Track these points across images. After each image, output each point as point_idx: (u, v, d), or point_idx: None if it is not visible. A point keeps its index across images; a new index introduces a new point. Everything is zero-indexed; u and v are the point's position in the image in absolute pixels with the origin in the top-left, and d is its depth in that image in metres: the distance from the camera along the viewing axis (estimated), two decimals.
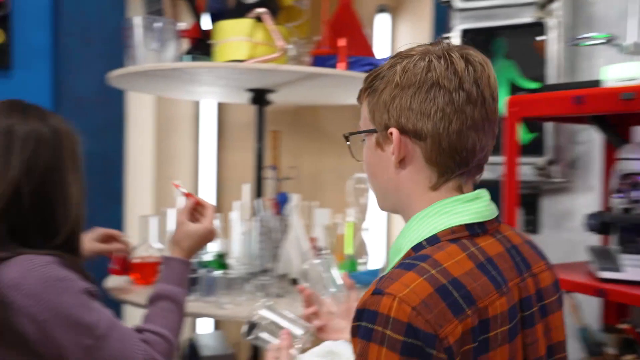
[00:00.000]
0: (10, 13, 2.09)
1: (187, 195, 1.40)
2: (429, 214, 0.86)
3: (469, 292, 0.77)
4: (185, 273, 1.33)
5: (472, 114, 0.84)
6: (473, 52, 0.86)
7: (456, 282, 0.77)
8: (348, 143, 0.96)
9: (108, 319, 1.11)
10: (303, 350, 1.05)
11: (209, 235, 1.36)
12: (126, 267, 1.69)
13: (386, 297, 0.75)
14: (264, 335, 1.08)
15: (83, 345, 1.05)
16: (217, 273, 1.69)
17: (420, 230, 0.85)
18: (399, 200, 0.91)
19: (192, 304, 1.68)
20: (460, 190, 0.87)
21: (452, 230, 0.83)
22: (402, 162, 0.87)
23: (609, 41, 1.35)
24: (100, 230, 1.61)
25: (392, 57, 0.89)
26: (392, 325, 0.74)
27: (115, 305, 1.76)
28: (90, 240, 1.57)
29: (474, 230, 0.85)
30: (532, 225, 1.83)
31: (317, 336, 1.14)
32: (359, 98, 0.94)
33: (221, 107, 2.49)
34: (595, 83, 1.25)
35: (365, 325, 0.76)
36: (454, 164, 0.85)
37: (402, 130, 0.85)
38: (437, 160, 0.85)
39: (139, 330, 1.19)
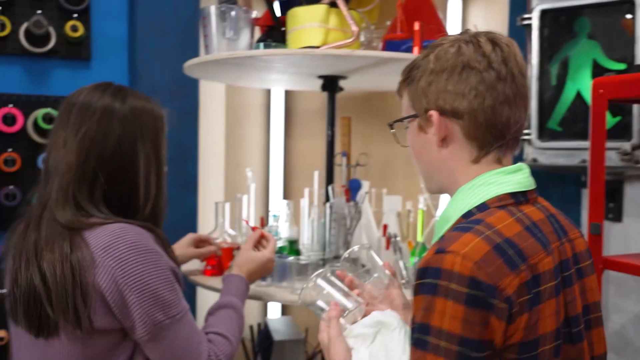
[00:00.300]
0: (89, 7, 2.18)
1: (254, 228, 1.59)
2: (475, 184, 0.95)
3: (521, 251, 0.86)
4: (244, 289, 1.39)
5: (504, 90, 0.93)
6: (499, 35, 0.96)
7: (509, 241, 0.86)
8: (393, 131, 1.05)
9: (185, 306, 1.14)
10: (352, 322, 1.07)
11: (268, 264, 1.47)
12: (221, 268, 1.74)
13: (449, 254, 0.83)
14: (320, 303, 1.10)
15: (155, 319, 1.07)
16: (290, 259, 1.71)
17: (468, 200, 0.94)
18: (443, 177, 1.00)
19: (266, 289, 1.71)
20: (499, 162, 0.96)
21: (499, 198, 0.93)
22: (443, 141, 0.96)
23: None
24: (192, 236, 1.70)
25: (425, 49, 0.99)
26: (456, 280, 0.82)
27: (189, 287, 1.81)
28: (184, 246, 1.66)
29: (518, 198, 0.94)
30: (615, 212, 1.75)
31: None
32: (399, 90, 1.03)
33: (288, 95, 2.51)
34: None
35: (430, 282, 0.84)
36: (491, 138, 0.95)
37: (441, 112, 0.95)
38: (475, 135, 0.94)
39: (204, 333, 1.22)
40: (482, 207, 0.92)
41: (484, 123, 0.94)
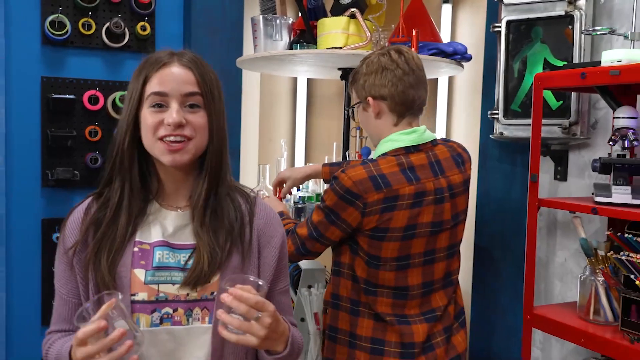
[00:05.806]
0: (155, 10, 2.71)
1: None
2: (385, 141, 1.59)
3: (388, 181, 1.50)
4: None
5: (409, 80, 1.56)
6: (403, 47, 1.59)
7: (382, 175, 1.50)
8: (351, 113, 1.77)
9: (56, 287, 1.24)
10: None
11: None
12: None
13: (344, 174, 1.53)
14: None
15: None
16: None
17: (379, 150, 1.59)
18: (379, 138, 1.61)
19: None
20: (410, 125, 1.61)
21: (395, 150, 1.56)
22: (377, 115, 1.61)
23: (612, 32, 1.80)
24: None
25: (361, 61, 1.64)
26: (339, 186, 1.52)
27: None
28: None
29: (410, 150, 1.57)
30: (561, 174, 2.28)
31: None
32: (349, 88, 1.70)
33: (309, 83, 3.03)
34: (597, 63, 1.71)
35: (332, 183, 1.54)
36: (404, 109, 1.59)
37: (374, 97, 1.60)
38: (394, 108, 1.59)
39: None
40: (383, 155, 1.57)
41: (398, 101, 1.56)
